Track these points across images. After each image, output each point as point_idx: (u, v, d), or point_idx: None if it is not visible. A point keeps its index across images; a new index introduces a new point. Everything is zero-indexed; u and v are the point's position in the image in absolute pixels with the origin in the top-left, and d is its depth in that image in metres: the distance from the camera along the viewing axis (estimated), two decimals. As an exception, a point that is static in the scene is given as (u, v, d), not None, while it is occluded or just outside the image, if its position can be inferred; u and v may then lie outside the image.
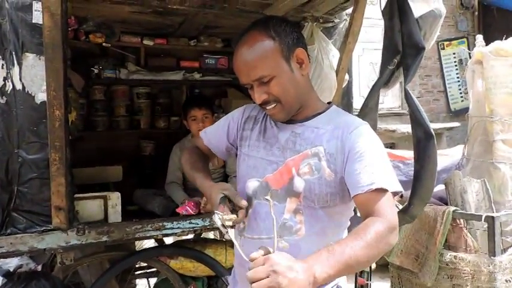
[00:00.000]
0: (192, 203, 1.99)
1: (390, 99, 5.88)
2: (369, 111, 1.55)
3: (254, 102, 1.13)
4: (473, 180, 1.75)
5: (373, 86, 1.56)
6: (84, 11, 2.04)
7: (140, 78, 2.70)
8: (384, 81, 1.53)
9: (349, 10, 2.17)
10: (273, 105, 1.08)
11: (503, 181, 1.75)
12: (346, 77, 2.01)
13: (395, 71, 1.50)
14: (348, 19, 2.24)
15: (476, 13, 5.39)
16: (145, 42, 2.57)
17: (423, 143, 1.43)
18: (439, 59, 5.79)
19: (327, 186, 1.04)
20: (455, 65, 5.95)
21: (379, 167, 1.00)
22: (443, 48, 5.79)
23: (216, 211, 1.02)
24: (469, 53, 2.14)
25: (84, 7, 1.95)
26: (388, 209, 0.97)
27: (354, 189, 1.00)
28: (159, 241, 2.70)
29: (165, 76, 2.75)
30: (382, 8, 1.48)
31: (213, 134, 1.30)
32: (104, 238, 1.80)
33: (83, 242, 1.74)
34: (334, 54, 1.89)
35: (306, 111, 1.13)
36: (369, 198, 0.98)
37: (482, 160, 1.87)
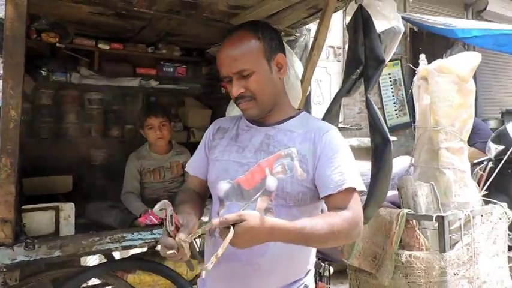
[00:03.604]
0: (156, 212, 1.91)
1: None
2: (332, 117, 1.65)
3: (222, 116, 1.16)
4: (423, 184, 1.91)
5: (336, 94, 1.66)
6: (37, 7, 1.90)
7: (93, 84, 2.56)
8: (347, 89, 1.64)
9: (309, 25, 2.30)
10: (248, 100, 1.13)
11: (448, 184, 1.94)
12: (308, 87, 2.11)
13: (357, 81, 1.62)
14: (307, 33, 2.38)
15: (408, 38, 5.97)
16: (101, 46, 2.46)
17: (381, 147, 1.55)
18: (377, 78, 6.23)
19: (298, 185, 1.10)
20: (391, 85, 6.49)
21: (348, 168, 1.09)
22: (380, 69, 6.26)
23: None
24: (413, 70, 2.37)
25: (37, 3, 1.81)
26: (356, 207, 1.08)
27: (325, 190, 1.08)
28: (109, 256, 2.54)
29: (121, 82, 2.64)
30: (347, 23, 1.60)
31: (195, 161, 1.32)
32: (56, 253, 1.66)
33: (32, 259, 1.59)
34: (298, 66, 1.97)
35: (278, 114, 1.19)
36: (339, 197, 1.07)
37: (429, 166, 2.05)
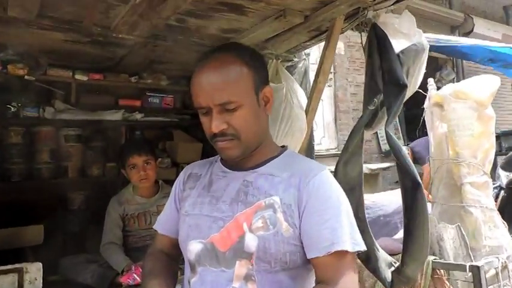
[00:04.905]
0: (140, 269, 1.62)
1: (327, 140, 6.01)
2: (350, 156, 1.40)
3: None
4: (449, 226, 1.67)
5: (353, 128, 1.43)
6: (2, 36, 1.67)
7: (70, 119, 2.31)
8: (365, 122, 1.41)
9: (308, 50, 2.11)
10: (229, 139, 0.91)
11: (477, 226, 1.70)
12: (312, 118, 1.89)
13: (379, 111, 1.39)
14: (306, 58, 2.18)
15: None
16: (78, 77, 2.23)
17: (411, 192, 1.29)
18: (370, 102, 6.11)
19: (284, 244, 0.88)
20: (384, 108, 6.38)
21: (340, 223, 0.87)
22: (372, 93, 6.14)
23: None
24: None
25: (2, 31, 1.59)
26: (346, 278, 0.87)
27: (311, 251, 0.88)
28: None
29: (101, 116, 2.39)
30: (363, 45, 1.39)
31: (164, 217, 1.11)
32: (17, 328, 1.36)
33: (-15, 338, 1.28)
34: (301, 94, 1.76)
35: (259, 155, 0.98)
36: (326, 263, 0.87)
37: (450, 204, 1.82)
